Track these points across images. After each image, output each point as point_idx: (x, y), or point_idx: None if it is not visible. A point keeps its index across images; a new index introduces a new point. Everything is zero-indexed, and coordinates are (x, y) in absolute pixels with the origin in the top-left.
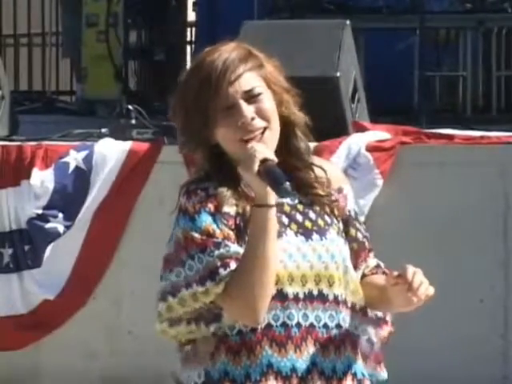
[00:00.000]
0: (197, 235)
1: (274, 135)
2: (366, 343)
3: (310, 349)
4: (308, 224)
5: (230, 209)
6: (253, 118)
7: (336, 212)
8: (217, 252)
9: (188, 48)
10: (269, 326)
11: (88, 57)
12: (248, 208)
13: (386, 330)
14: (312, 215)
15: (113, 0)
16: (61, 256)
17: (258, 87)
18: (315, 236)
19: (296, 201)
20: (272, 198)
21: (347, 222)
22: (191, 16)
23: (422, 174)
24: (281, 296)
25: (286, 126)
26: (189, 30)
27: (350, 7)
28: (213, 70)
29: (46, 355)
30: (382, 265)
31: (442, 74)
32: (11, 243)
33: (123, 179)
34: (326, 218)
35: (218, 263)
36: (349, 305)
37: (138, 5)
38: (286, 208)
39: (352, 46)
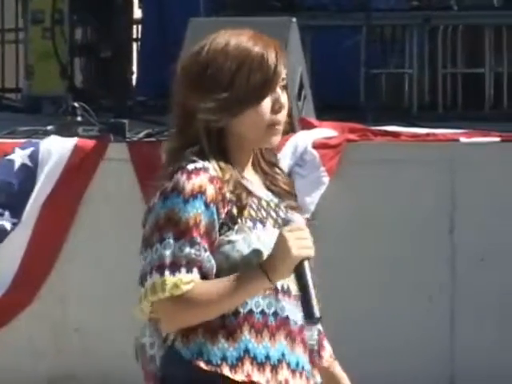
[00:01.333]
0: (182, 220)
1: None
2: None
3: (282, 340)
4: (280, 222)
5: (227, 194)
6: (284, 107)
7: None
8: (188, 249)
9: (134, 45)
10: (250, 311)
11: (34, 54)
12: (244, 195)
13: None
14: (281, 214)
15: None
16: (7, 254)
17: (285, 79)
18: None
19: (269, 198)
20: (279, 281)
21: None
22: (137, 13)
23: (369, 172)
24: None
25: None
26: (135, 27)
27: (297, 5)
28: (269, 51)
29: None
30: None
31: (388, 72)
32: None
33: (68, 176)
34: None
35: (183, 261)
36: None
37: (84, 1)
38: (263, 203)
39: (298, 43)
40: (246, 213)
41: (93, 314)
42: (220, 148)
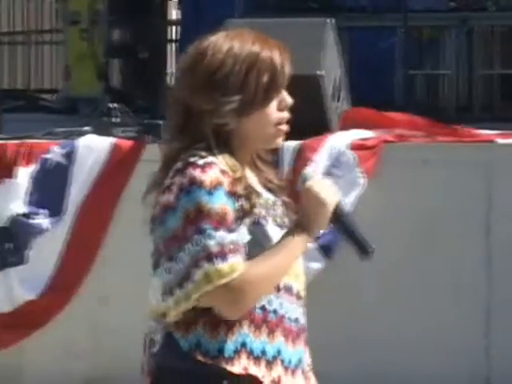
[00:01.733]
0: (213, 211)
1: None
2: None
3: (279, 337)
4: (278, 219)
5: (239, 191)
6: (288, 106)
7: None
8: (229, 236)
9: (170, 46)
10: (253, 307)
11: (71, 55)
12: (253, 195)
13: None
14: (279, 212)
15: None
16: (45, 254)
17: None
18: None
19: (267, 196)
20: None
21: None
22: (173, 14)
23: (406, 172)
24: None
25: None
26: (170, 28)
27: (334, 6)
28: (274, 53)
29: (30, 355)
30: None
31: (424, 73)
32: None
33: (106, 176)
34: (286, 218)
35: (229, 248)
36: (303, 302)
37: (121, 2)
38: (262, 201)
39: (336, 44)
40: (253, 211)
41: (130, 315)
42: (226, 147)
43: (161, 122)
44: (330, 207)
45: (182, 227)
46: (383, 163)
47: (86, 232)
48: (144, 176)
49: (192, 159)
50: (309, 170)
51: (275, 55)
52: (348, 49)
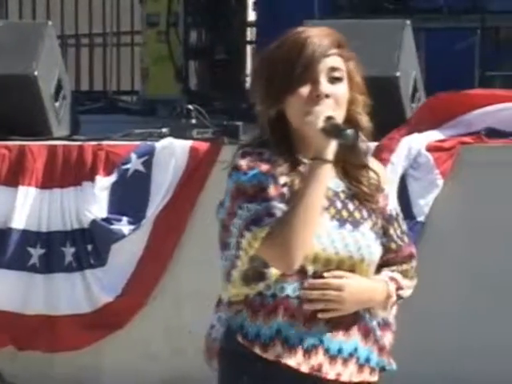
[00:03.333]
0: (248, 187)
1: None
2: (377, 329)
3: (321, 326)
4: (344, 213)
5: (280, 177)
6: (327, 96)
7: (375, 209)
8: (264, 204)
9: (248, 48)
10: (287, 296)
11: (149, 57)
12: (297, 181)
13: (389, 336)
14: (350, 206)
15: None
16: (124, 258)
17: (341, 71)
18: (348, 226)
19: (340, 189)
20: (331, 154)
21: (388, 221)
22: (251, 16)
23: (483, 174)
24: (302, 272)
25: (351, 125)
26: (249, 29)
27: (411, 7)
28: (309, 43)
29: (107, 355)
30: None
31: (503, 74)
32: (73, 242)
33: (184, 179)
34: (364, 212)
35: (264, 212)
36: None
37: (198, 4)
38: (329, 193)
39: (412, 45)
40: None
41: (207, 316)
42: (283, 137)
43: (239, 123)
44: (314, 124)
45: (230, 205)
46: (460, 165)
47: (163, 234)
48: (221, 177)
49: (242, 149)
50: None
51: (310, 43)
52: (424, 50)
